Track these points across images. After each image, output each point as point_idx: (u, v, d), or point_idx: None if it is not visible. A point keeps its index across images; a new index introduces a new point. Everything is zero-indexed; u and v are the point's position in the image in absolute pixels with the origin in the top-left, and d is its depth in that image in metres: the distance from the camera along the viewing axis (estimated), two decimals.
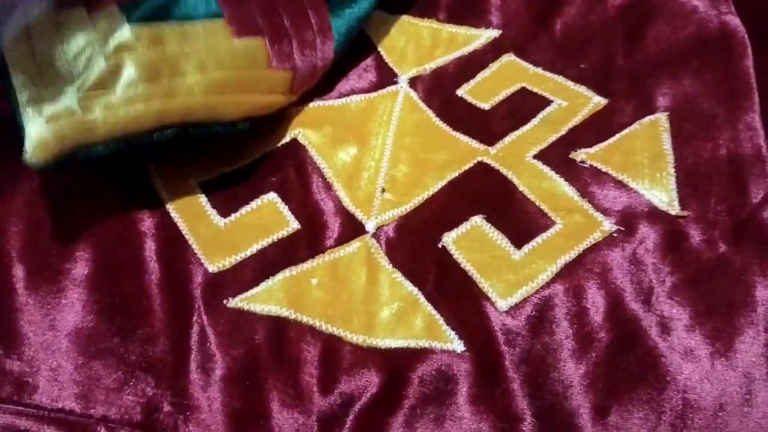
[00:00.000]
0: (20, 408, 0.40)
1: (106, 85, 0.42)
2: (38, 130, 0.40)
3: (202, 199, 0.48)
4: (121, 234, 0.45)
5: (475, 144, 0.51)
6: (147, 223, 0.46)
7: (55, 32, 0.44)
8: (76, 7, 0.46)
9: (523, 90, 0.54)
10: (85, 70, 0.43)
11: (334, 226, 0.48)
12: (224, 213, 0.47)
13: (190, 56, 0.45)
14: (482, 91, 0.55)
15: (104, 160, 0.43)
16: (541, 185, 0.48)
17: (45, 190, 0.46)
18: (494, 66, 0.56)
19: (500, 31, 0.58)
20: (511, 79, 0.55)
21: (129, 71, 0.43)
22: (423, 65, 0.56)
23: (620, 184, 0.48)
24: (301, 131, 0.51)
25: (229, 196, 0.48)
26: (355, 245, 0.47)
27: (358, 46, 0.56)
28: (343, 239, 0.47)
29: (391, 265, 0.46)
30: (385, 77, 0.55)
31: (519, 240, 0.46)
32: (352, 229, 0.48)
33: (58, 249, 0.44)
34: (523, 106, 0.53)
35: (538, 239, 0.46)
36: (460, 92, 0.55)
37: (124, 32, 0.44)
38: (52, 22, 0.44)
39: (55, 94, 0.42)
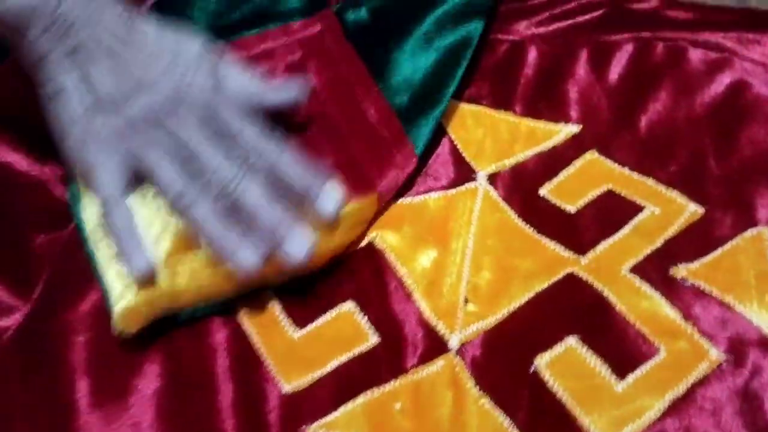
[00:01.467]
0: None
1: (190, 244, 0.41)
2: (127, 302, 0.40)
3: (276, 307, 0.45)
4: (192, 348, 0.42)
5: (563, 252, 0.48)
6: (219, 335, 0.43)
7: None
8: None
9: (610, 193, 0.51)
10: (166, 223, 0.42)
11: (415, 340, 0.44)
12: (299, 323, 0.44)
13: None
14: (566, 192, 0.52)
15: None
16: (640, 305, 0.45)
17: None
18: (577, 164, 0.53)
19: (580, 126, 0.55)
20: (596, 179, 0.52)
21: None
22: (502, 161, 0.54)
23: (726, 307, 0.44)
24: (378, 234, 0.48)
25: (303, 305, 0.45)
26: (438, 364, 0.43)
27: (434, 137, 0.54)
28: (426, 356, 0.44)
29: (478, 388, 0.42)
30: (463, 173, 0.53)
31: (620, 367, 0.42)
32: (435, 344, 0.44)
33: (125, 362, 0.41)
34: (612, 211, 0.50)
35: (642, 369, 0.42)
36: (542, 192, 0.52)
37: None
38: None
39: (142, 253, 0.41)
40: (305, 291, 0.45)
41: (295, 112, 0.50)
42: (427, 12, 0.56)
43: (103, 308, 0.42)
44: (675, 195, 0.50)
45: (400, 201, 0.50)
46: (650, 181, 0.51)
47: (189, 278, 0.41)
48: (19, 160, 0.51)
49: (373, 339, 0.44)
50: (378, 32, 0.56)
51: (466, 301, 0.46)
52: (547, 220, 0.50)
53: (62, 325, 0.42)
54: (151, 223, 0.42)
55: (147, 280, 0.40)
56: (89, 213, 0.44)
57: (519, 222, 0.50)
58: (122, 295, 0.40)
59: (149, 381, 0.41)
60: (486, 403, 0.42)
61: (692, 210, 0.49)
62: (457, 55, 0.54)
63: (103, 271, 0.42)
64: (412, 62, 0.54)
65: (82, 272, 0.44)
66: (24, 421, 0.39)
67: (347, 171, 0.47)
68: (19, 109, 0.50)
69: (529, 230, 0.50)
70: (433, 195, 0.51)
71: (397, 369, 0.43)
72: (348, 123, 0.50)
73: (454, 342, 0.44)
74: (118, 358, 0.41)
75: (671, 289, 0.45)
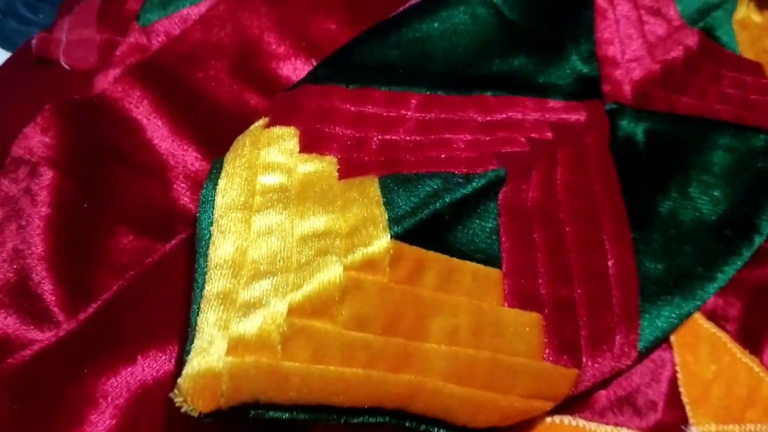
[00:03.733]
0: None
1: (328, 310, 0.27)
2: (208, 362, 0.24)
3: None
4: None
5: None
6: None
7: (294, 189, 0.29)
8: (327, 156, 0.32)
9: None
10: (308, 271, 0.27)
11: None
12: None
13: (444, 313, 0.29)
14: None
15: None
16: None
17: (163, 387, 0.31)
18: None
19: None
20: None
21: (367, 305, 0.27)
22: (726, 425, 0.38)
23: None
24: None
25: None
26: None
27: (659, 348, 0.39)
28: None
29: None
30: (673, 418, 0.38)
31: None
32: None
33: None
34: None
35: None
36: None
37: (382, 242, 0.28)
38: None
39: (254, 302, 0.26)
40: None
41: (524, 189, 0.36)
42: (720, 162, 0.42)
43: (150, 394, 0.30)
44: None
45: (583, 424, 0.35)
46: None
47: (308, 357, 0.27)
48: (156, 127, 0.40)
49: None
50: (652, 167, 0.41)
51: None
52: None
53: (90, 387, 0.30)
54: (315, 237, 0.29)
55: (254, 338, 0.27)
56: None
57: None
58: (207, 348, 0.26)
59: None
60: None
61: None
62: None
63: (207, 280, 0.29)
64: (688, 217, 0.40)
65: (156, 319, 0.32)
66: None
67: (555, 313, 0.33)
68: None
69: None
70: None
71: None
72: (578, 254, 0.35)
73: None
74: None
75: None
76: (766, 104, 0.47)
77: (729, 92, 0.47)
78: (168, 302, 0.33)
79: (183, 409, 0.25)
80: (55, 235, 0.34)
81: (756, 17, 0.53)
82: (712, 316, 0.42)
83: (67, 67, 0.44)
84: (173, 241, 0.36)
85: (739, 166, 0.43)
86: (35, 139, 0.37)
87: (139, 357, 0.31)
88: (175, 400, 0.25)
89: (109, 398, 0.30)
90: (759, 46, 0.51)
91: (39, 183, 0.36)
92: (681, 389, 0.39)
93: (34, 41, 0.45)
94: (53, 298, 0.32)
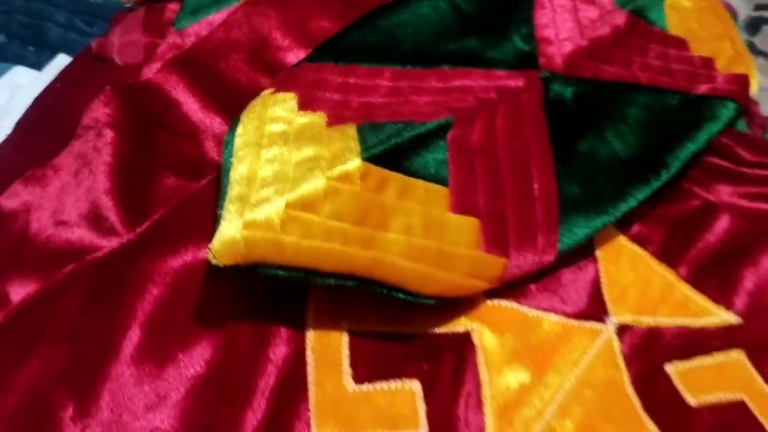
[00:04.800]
0: None
1: (314, 206, 0.38)
2: (231, 233, 0.37)
3: (344, 350, 0.42)
4: (249, 349, 0.40)
5: None
6: (279, 350, 0.41)
7: (292, 133, 0.41)
8: (318, 112, 0.43)
9: (741, 405, 0.45)
10: (301, 181, 0.39)
11: None
12: (358, 377, 0.41)
13: (402, 214, 0.41)
14: (694, 382, 0.45)
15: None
16: None
17: (200, 264, 0.42)
18: (719, 357, 0.47)
19: (740, 320, 0.49)
20: (733, 383, 0.46)
21: (342, 205, 0.39)
22: (641, 317, 0.48)
23: None
24: (479, 329, 0.44)
25: (371, 361, 0.42)
26: None
27: (581, 256, 0.49)
28: None
29: None
30: (595, 310, 0.48)
31: None
32: None
33: (182, 332, 0.40)
34: (734, 427, 0.43)
35: None
36: (668, 369, 0.46)
37: (355, 162, 0.39)
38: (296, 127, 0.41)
39: (264, 200, 0.38)
40: (379, 348, 0.42)
41: (468, 132, 0.47)
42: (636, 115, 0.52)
43: (189, 272, 0.41)
44: None
45: (516, 306, 0.46)
46: None
47: (299, 237, 0.38)
48: (190, 103, 0.52)
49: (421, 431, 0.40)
50: (576, 119, 0.52)
51: None
52: (660, 400, 0.44)
53: (146, 270, 0.41)
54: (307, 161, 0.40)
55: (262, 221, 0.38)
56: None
57: (629, 389, 0.44)
58: (231, 223, 0.37)
59: (194, 361, 0.39)
60: None
61: None
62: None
63: (228, 189, 0.40)
64: (603, 154, 0.50)
65: (193, 228, 0.43)
66: (69, 340, 0.39)
67: (489, 219, 0.43)
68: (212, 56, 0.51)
69: (635, 401, 0.44)
70: (553, 317, 0.46)
71: None
72: (510, 179, 0.45)
73: None
74: (178, 325, 0.40)
75: None
76: (685, 72, 0.57)
77: (652, 62, 0.57)
78: (200, 218, 0.44)
79: (213, 262, 0.36)
80: (116, 176, 0.46)
81: (686, 2, 0.63)
82: (636, 239, 0.52)
83: (120, 62, 0.56)
84: (203, 181, 0.47)
85: (654, 119, 0.53)
86: (99, 111, 0.49)
87: (181, 249, 0.42)
88: (208, 257, 0.36)
89: (161, 276, 0.41)
90: (686, 26, 0.61)
91: (103, 141, 0.47)
92: (603, 290, 0.49)
93: (93, 44, 0.58)
94: (117, 219, 0.44)
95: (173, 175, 0.47)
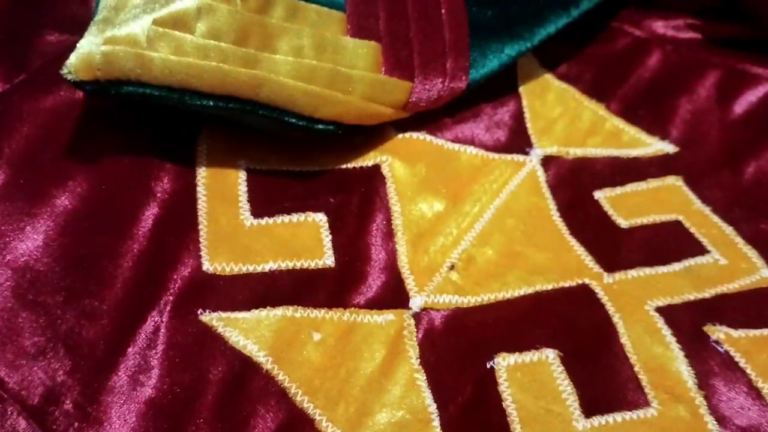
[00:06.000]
0: None
1: (186, 24, 0.35)
2: (89, 48, 0.34)
3: (242, 186, 0.39)
4: (129, 181, 0.37)
5: (589, 261, 0.40)
6: (164, 184, 0.38)
7: None
8: None
9: (678, 224, 0.42)
10: (172, 1, 0.35)
11: (374, 282, 0.37)
12: (257, 212, 0.38)
13: (290, 36, 0.37)
14: (626, 205, 0.43)
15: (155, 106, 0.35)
16: (650, 348, 0.36)
17: (77, 103, 0.39)
18: (653, 183, 0.44)
19: (677, 149, 0.46)
20: (669, 205, 0.43)
21: (219, 22, 0.35)
22: (568, 147, 0.45)
23: (755, 393, 0.34)
24: (390, 159, 0.41)
25: (272, 196, 0.39)
26: (386, 317, 0.36)
27: (503, 92, 0.46)
28: (378, 302, 0.37)
29: (419, 361, 0.35)
30: (517, 143, 0.45)
31: (591, 405, 0.33)
32: (394, 295, 0.37)
33: (54, 169, 0.36)
34: (669, 242, 0.41)
35: (616, 417, 0.33)
36: (598, 195, 0.43)
37: None
38: None
39: (129, 18, 0.34)
40: (281, 184, 0.39)
41: None
42: None
43: (63, 110, 0.38)
44: (752, 254, 0.41)
45: (431, 138, 0.43)
46: (730, 230, 0.42)
47: (169, 53, 0.34)
48: None
49: (327, 261, 0.37)
50: None
51: (452, 267, 0.38)
52: (589, 224, 0.42)
53: (16, 110, 0.38)
54: None
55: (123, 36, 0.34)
56: None
57: (554, 214, 0.42)
58: (90, 39, 0.34)
59: (67, 198, 0.36)
60: (420, 379, 0.34)
61: (764, 276, 0.39)
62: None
63: (89, 29, 0.36)
64: None
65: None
66: None
67: (391, 42, 0.40)
68: None
69: (561, 226, 0.41)
70: (471, 150, 0.44)
71: (337, 300, 0.36)
72: (414, 2, 0.42)
73: (416, 302, 0.37)
74: (51, 163, 0.37)
75: (697, 348, 0.36)
76: None
77: None
78: None
79: (69, 78, 0.33)
80: None
81: None
82: (564, 78, 0.50)
83: None
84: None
85: None
86: None
87: (54, 90, 0.39)
88: (63, 73, 0.33)
89: (32, 115, 0.38)
90: None
91: None
92: (527, 124, 0.46)
93: None
94: None
95: (57, 31, 0.44)
